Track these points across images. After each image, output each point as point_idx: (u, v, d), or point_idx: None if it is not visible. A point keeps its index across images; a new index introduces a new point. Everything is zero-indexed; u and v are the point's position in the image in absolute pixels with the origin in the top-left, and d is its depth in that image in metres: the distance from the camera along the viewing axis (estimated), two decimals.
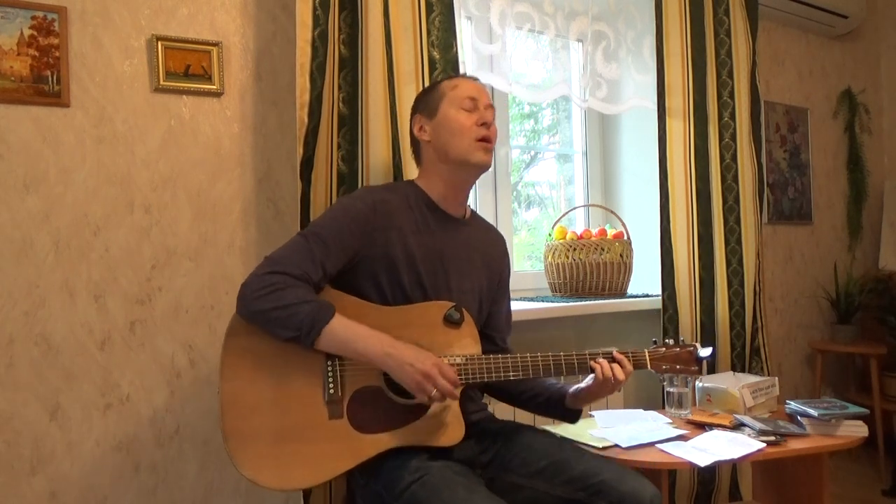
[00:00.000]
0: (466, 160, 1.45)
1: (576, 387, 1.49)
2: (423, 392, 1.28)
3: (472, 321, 1.43)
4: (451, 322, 1.40)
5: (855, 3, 3.17)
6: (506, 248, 1.67)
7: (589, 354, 1.44)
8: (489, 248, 1.59)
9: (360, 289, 1.41)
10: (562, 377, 1.46)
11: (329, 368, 1.33)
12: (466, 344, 1.40)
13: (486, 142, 1.45)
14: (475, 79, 1.54)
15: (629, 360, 1.46)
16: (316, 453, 1.28)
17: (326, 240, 1.35)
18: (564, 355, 1.43)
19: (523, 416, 1.99)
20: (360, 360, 1.31)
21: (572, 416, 1.54)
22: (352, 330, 1.30)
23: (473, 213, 1.62)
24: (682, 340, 1.58)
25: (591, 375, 1.44)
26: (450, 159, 1.46)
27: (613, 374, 1.41)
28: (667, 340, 1.58)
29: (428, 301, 1.43)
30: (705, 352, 1.55)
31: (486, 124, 1.45)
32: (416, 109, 1.55)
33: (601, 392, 1.45)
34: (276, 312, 1.27)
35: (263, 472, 1.25)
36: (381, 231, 1.40)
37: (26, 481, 1.50)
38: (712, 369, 2.36)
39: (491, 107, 1.50)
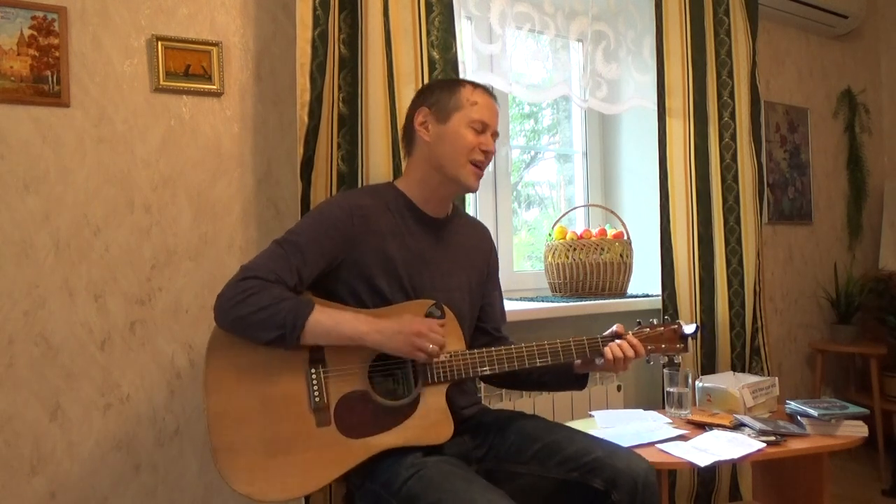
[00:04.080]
0: (456, 178, 1.45)
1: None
2: (422, 350, 1.30)
3: (454, 318, 1.43)
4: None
5: (855, 3, 3.17)
6: (491, 241, 1.67)
7: (574, 342, 1.45)
8: (474, 243, 1.60)
9: (339, 295, 1.41)
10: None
11: (313, 376, 1.32)
12: (449, 341, 1.40)
13: (479, 168, 1.46)
14: (494, 97, 1.50)
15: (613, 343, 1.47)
16: (306, 462, 1.28)
17: (302, 247, 1.35)
18: (548, 344, 1.44)
19: (523, 405, 1.99)
20: (348, 344, 1.31)
21: (582, 382, 1.56)
22: (335, 317, 1.31)
23: (456, 208, 1.61)
24: (666, 318, 1.58)
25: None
26: (440, 169, 1.45)
27: (624, 356, 1.44)
28: (651, 320, 1.57)
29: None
30: (689, 328, 1.55)
31: (487, 152, 1.45)
32: (424, 101, 1.48)
33: (606, 371, 1.48)
34: (256, 315, 1.26)
35: (255, 484, 1.25)
36: (359, 237, 1.40)
37: (26, 481, 1.50)
38: (712, 369, 2.36)
39: (497, 134, 1.49)
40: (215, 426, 1.27)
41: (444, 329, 1.37)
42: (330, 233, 1.38)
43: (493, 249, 1.67)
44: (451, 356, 1.38)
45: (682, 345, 1.55)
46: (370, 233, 1.41)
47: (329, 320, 1.30)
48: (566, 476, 1.34)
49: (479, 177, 1.48)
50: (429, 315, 1.39)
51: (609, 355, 1.44)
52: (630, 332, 1.51)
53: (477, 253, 1.60)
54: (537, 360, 1.43)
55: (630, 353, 1.45)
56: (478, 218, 1.79)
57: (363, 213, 1.42)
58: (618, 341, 1.46)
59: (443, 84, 1.52)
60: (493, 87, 2.09)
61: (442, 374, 1.37)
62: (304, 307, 1.28)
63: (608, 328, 1.52)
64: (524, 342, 1.45)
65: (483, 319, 1.61)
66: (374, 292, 1.41)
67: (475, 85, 1.49)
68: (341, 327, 1.30)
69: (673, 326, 1.55)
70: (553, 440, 1.39)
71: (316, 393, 1.32)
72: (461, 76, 1.86)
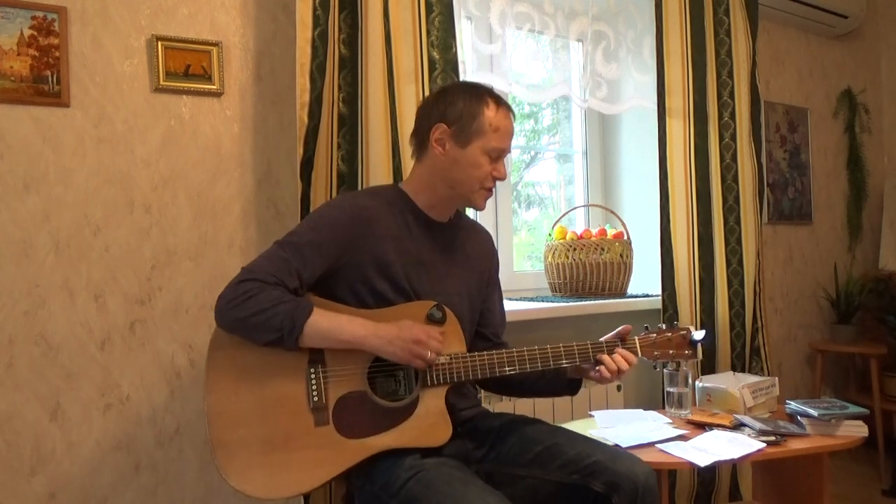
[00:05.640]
0: (466, 199, 1.47)
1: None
2: (420, 357, 1.31)
3: (456, 320, 1.42)
4: (434, 321, 1.39)
5: (855, 3, 3.17)
6: (493, 245, 1.67)
7: (577, 346, 1.44)
8: (475, 248, 1.59)
9: (341, 296, 1.41)
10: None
11: (312, 376, 1.33)
12: (450, 343, 1.40)
13: (489, 191, 1.47)
14: (514, 115, 1.49)
15: (622, 348, 1.47)
16: (303, 461, 1.28)
17: (303, 249, 1.34)
18: (551, 348, 1.43)
19: (522, 408, 1.99)
20: (347, 348, 1.32)
21: (575, 387, 1.55)
22: (334, 320, 1.31)
23: (458, 212, 1.60)
24: (676, 324, 1.57)
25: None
26: (451, 187, 1.44)
27: (618, 368, 1.44)
28: (659, 325, 1.57)
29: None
30: (699, 334, 1.53)
31: (498, 179, 1.46)
32: (444, 116, 1.41)
33: (602, 381, 1.46)
34: (254, 318, 1.27)
35: (252, 481, 1.26)
36: (360, 239, 1.39)
37: (26, 481, 1.50)
38: (712, 369, 2.36)
39: (509, 151, 1.48)
40: (214, 424, 1.28)
41: (443, 336, 1.37)
42: (330, 235, 1.37)
43: (494, 254, 1.66)
44: (451, 358, 1.38)
45: (691, 351, 1.53)
46: (372, 235, 1.40)
47: (327, 323, 1.30)
48: (567, 479, 1.34)
49: (488, 198, 1.49)
50: (430, 316, 1.39)
51: (612, 365, 1.43)
52: (636, 338, 1.50)
53: (478, 258, 1.59)
54: (539, 364, 1.42)
55: (624, 365, 1.44)
56: (477, 219, 1.79)
57: (367, 215, 1.40)
58: (618, 350, 1.45)
59: (466, 98, 1.42)
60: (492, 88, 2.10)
61: (442, 377, 1.36)
62: (302, 310, 1.28)
63: (608, 328, 1.52)
64: (524, 346, 1.44)
65: (482, 324, 1.61)
66: (375, 294, 1.40)
67: (498, 104, 1.43)
68: (340, 331, 1.30)
69: (682, 332, 1.53)
70: (554, 443, 1.39)
71: (315, 393, 1.32)
72: (461, 76, 1.86)
